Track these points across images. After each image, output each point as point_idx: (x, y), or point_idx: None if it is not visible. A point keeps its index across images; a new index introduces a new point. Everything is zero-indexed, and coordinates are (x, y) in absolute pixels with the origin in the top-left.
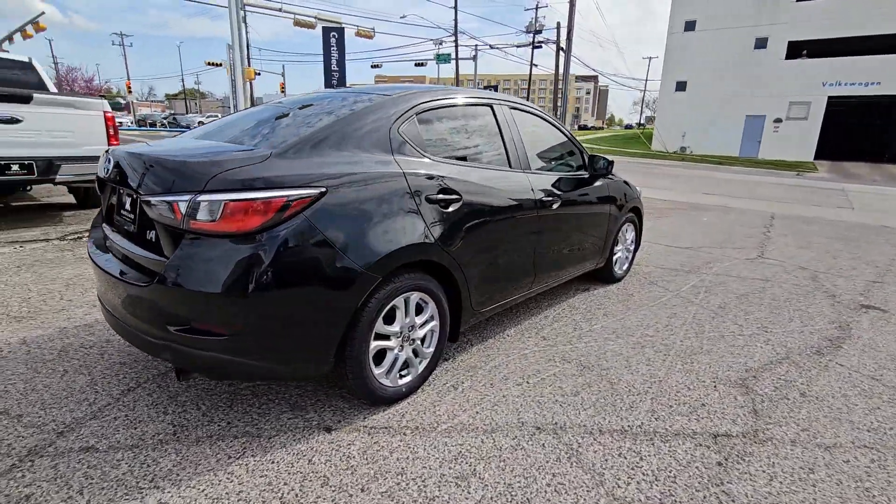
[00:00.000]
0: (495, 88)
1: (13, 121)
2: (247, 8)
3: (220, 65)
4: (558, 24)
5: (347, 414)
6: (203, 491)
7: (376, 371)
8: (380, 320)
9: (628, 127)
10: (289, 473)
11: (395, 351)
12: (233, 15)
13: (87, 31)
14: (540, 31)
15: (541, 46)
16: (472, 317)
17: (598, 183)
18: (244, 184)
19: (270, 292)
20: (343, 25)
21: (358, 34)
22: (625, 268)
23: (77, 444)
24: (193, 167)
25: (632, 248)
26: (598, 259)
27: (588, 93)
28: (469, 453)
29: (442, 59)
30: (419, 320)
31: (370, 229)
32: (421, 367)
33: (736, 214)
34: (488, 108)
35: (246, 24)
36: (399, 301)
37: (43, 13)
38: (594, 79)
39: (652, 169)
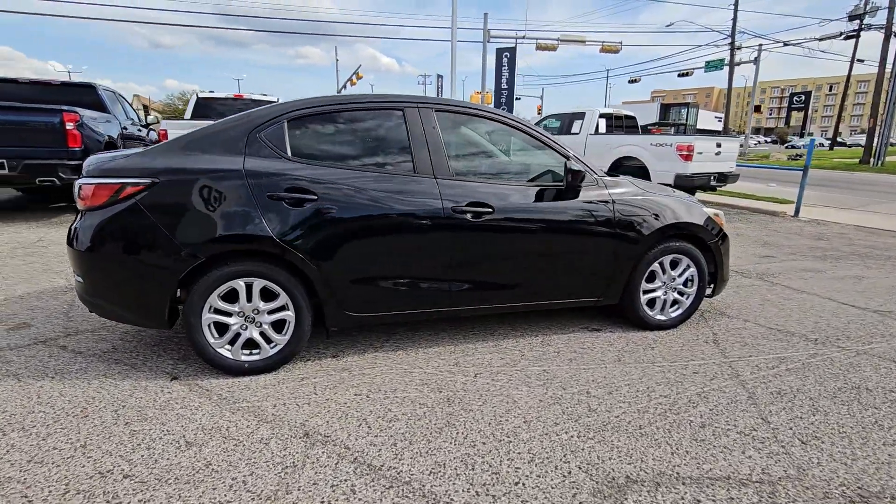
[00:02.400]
0: (808, 95)
1: None
2: (492, 39)
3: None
4: (891, 1)
5: (204, 373)
6: (62, 391)
7: (212, 340)
8: (215, 296)
9: None
10: (111, 395)
11: (236, 328)
12: (454, 47)
13: (412, 74)
14: (867, 14)
15: (859, 35)
16: (342, 319)
17: (586, 197)
18: (99, 173)
19: (99, 253)
20: (516, 44)
21: (603, 50)
22: (673, 314)
23: (61, 343)
24: (87, 162)
25: (690, 289)
26: (600, 293)
27: None
28: (223, 430)
29: (713, 65)
30: (266, 306)
31: (195, 216)
32: (272, 351)
33: None
34: (398, 112)
35: (514, 54)
36: (239, 284)
37: (360, 66)
38: None
39: None
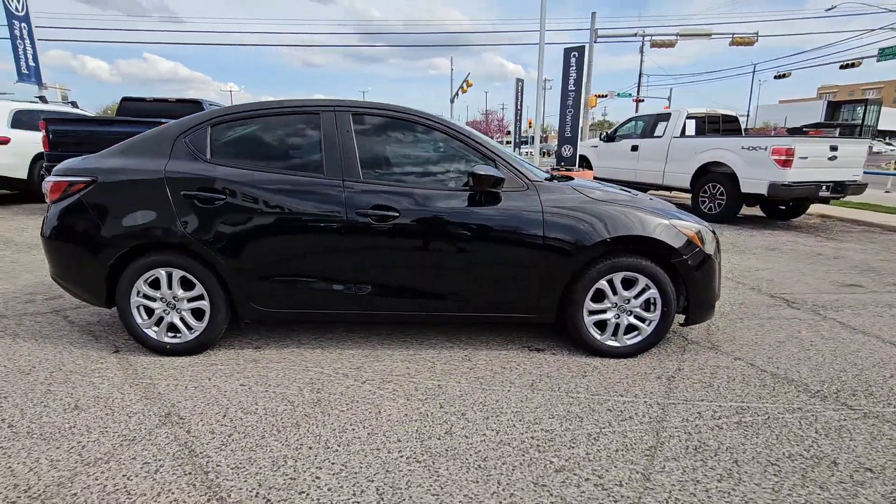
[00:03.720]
0: None
1: None
2: (599, 39)
3: (606, 95)
4: None
5: (141, 351)
6: (31, 351)
7: (140, 321)
8: (141, 282)
9: None
10: (60, 359)
11: (159, 312)
12: (541, 50)
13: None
14: None
15: None
16: (252, 312)
17: (512, 204)
18: (60, 172)
19: (54, 240)
20: (585, 43)
21: (734, 43)
22: (629, 341)
23: (67, 313)
24: (61, 163)
25: (651, 314)
26: (532, 309)
27: None
28: (110, 400)
29: (889, 53)
30: (184, 294)
31: (122, 211)
32: (191, 336)
33: None
34: (314, 116)
35: (643, 53)
36: (160, 273)
37: (469, 73)
38: None
39: None
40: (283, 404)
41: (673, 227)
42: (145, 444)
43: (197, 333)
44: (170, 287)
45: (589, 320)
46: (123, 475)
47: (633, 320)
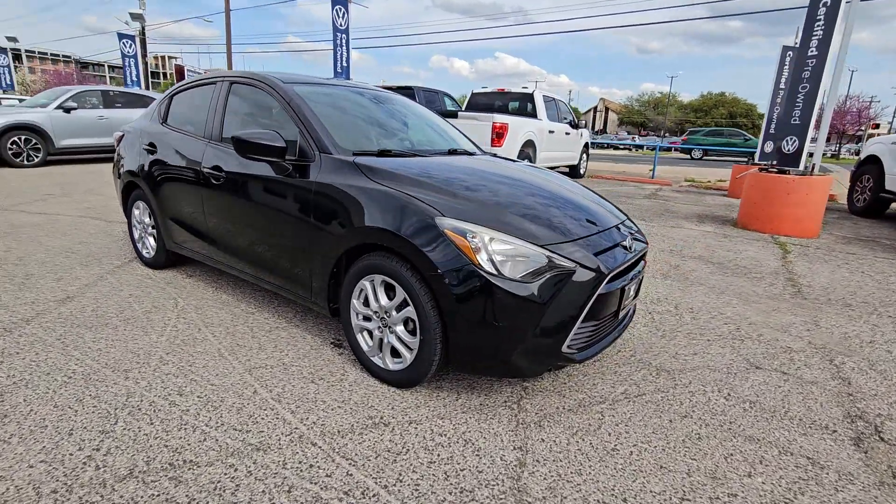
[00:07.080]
0: None
1: None
2: None
3: None
4: None
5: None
6: (110, 250)
7: (136, 236)
8: (133, 209)
9: None
10: (107, 253)
11: (140, 232)
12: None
13: None
14: None
15: None
16: (171, 244)
17: (301, 177)
18: (122, 131)
19: (114, 175)
20: None
21: None
22: (393, 366)
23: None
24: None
25: (412, 339)
26: (306, 293)
27: None
28: (74, 279)
29: None
30: (149, 222)
31: (126, 156)
32: (153, 254)
33: None
34: (214, 86)
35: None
36: (140, 204)
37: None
38: None
39: None
40: (119, 310)
41: (434, 226)
42: (29, 304)
43: (153, 253)
44: (143, 214)
45: (359, 324)
46: None
47: (393, 341)
